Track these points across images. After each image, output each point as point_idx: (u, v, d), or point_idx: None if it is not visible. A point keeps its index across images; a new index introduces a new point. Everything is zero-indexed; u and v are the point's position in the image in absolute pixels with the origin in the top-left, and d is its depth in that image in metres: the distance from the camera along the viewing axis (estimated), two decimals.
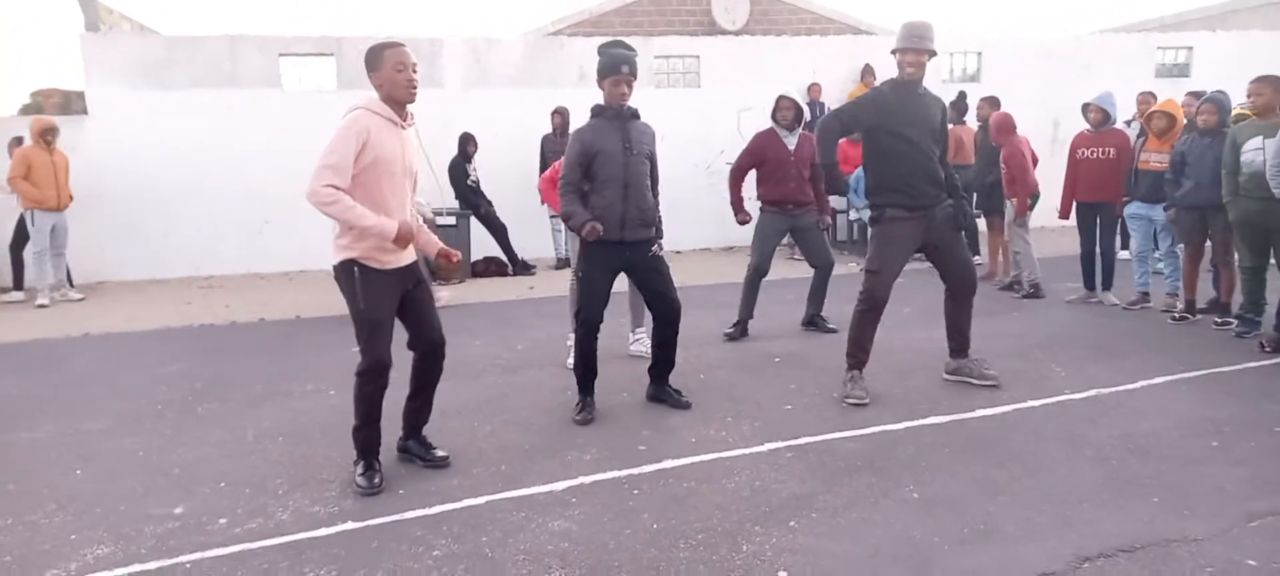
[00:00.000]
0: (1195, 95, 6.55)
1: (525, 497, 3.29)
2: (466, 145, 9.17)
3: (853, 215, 9.68)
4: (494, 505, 3.24)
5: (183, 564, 2.84)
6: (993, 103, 7.92)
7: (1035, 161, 7.19)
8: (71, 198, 8.24)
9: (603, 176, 4.06)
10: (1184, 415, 4.04)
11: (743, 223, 5.79)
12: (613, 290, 4.22)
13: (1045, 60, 11.78)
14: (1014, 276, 7.32)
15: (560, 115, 9.19)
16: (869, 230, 4.67)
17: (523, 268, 9.31)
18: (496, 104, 10.12)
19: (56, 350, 6.23)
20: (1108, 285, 6.72)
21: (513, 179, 9.68)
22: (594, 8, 14.83)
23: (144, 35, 11.19)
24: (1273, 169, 4.98)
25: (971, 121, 8.86)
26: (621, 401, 4.48)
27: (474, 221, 9.12)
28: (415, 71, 3.32)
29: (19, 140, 8.22)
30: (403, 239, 3.26)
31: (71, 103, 9.76)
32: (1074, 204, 6.70)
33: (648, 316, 4.49)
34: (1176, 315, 6.06)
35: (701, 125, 10.62)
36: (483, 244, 9.27)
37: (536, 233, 9.63)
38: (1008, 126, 7.10)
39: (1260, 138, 5.11)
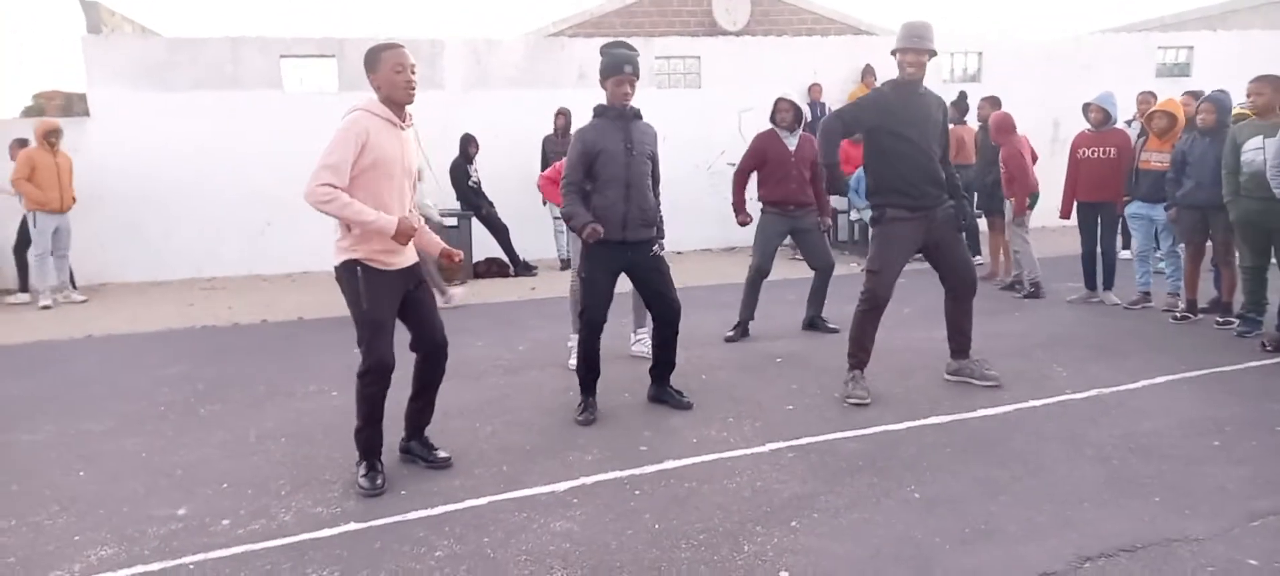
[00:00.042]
0: (1192, 95, 6.55)
1: (527, 498, 3.30)
2: (467, 146, 9.19)
3: (853, 215, 9.68)
4: (496, 506, 3.24)
5: (186, 565, 2.85)
6: (993, 102, 7.92)
7: (1034, 159, 7.19)
8: (75, 200, 8.27)
9: (605, 176, 4.07)
10: (1185, 415, 4.04)
11: (743, 224, 5.80)
12: (616, 291, 4.23)
13: (1046, 60, 11.78)
14: (1015, 276, 7.32)
15: (563, 116, 9.20)
16: (870, 230, 4.68)
17: (524, 268, 9.33)
18: (497, 105, 10.13)
19: (59, 352, 6.24)
20: (1109, 285, 6.72)
21: (514, 180, 9.69)
22: (594, 9, 14.84)
23: (145, 37, 11.21)
24: (1273, 169, 4.98)
25: (972, 121, 8.87)
26: (623, 402, 4.49)
27: (475, 222, 9.13)
28: (414, 73, 3.33)
29: (22, 142, 8.24)
30: (403, 235, 3.26)
31: (73, 105, 9.79)
32: (1075, 204, 6.70)
33: (649, 317, 4.50)
34: (1178, 315, 6.06)
35: (702, 126, 10.63)
36: (484, 245, 9.28)
37: (538, 233, 9.64)
38: (1007, 126, 7.10)
39: (1260, 137, 5.11)
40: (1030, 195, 7.01)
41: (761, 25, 14.89)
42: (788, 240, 6.03)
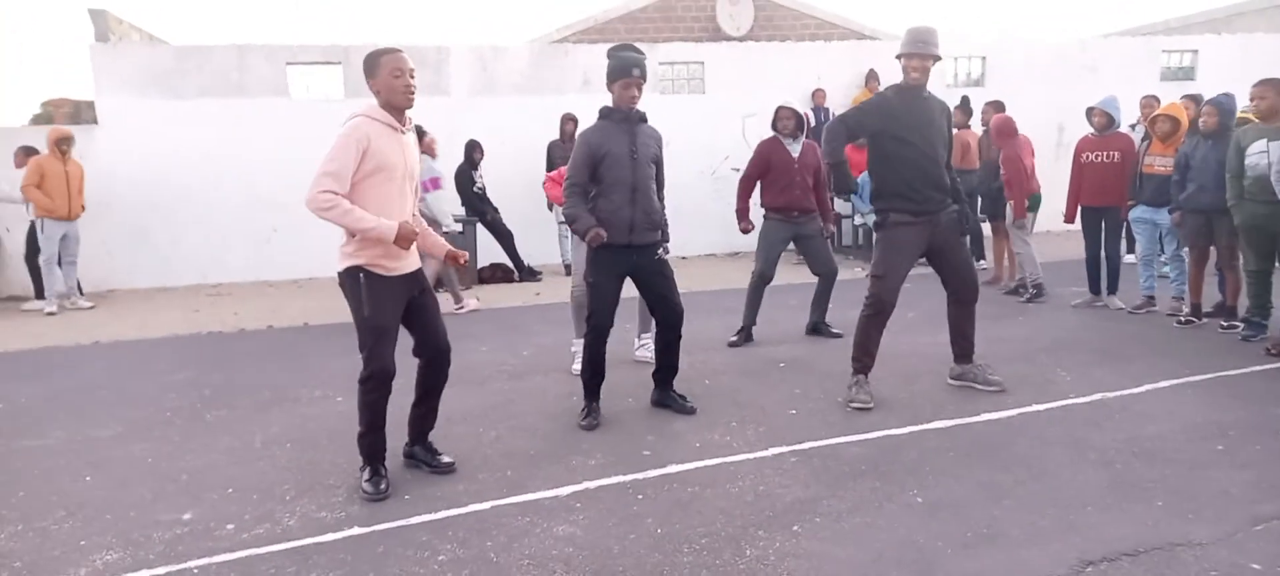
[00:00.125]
0: (1192, 98, 6.54)
1: (530, 503, 3.31)
2: (473, 152, 9.21)
3: (858, 220, 9.69)
4: (499, 510, 3.25)
5: (190, 569, 2.87)
6: (997, 107, 7.91)
7: (1031, 154, 7.16)
8: (84, 208, 8.32)
9: (609, 179, 4.07)
10: (1189, 419, 4.03)
11: (745, 232, 5.81)
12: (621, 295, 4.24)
13: (1050, 64, 11.77)
14: (1019, 280, 7.31)
15: (572, 122, 9.24)
16: (874, 235, 4.68)
17: (529, 274, 9.35)
18: (502, 111, 10.17)
19: (66, 358, 6.28)
20: (1113, 289, 6.71)
21: (519, 186, 9.73)
22: (599, 15, 14.89)
23: (153, 45, 11.28)
24: (1278, 172, 4.98)
25: (976, 126, 8.86)
26: (626, 407, 4.50)
27: (480, 228, 9.16)
28: (413, 77, 3.34)
29: (28, 150, 8.30)
30: (404, 239, 3.28)
31: (81, 112, 9.85)
32: (1079, 208, 6.70)
33: (654, 322, 4.50)
34: (1182, 319, 6.05)
35: (706, 131, 10.64)
36: (489, 250, 9.31)
37: (542, 239, 9.67)
38: (1008, 129, 7.10)
39: (1264, 140, 5.11)
40: (1030, 197, 7.00)
41: (765, 30, 14.92)
42: (791, 245, 6.04)
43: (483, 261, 9.28)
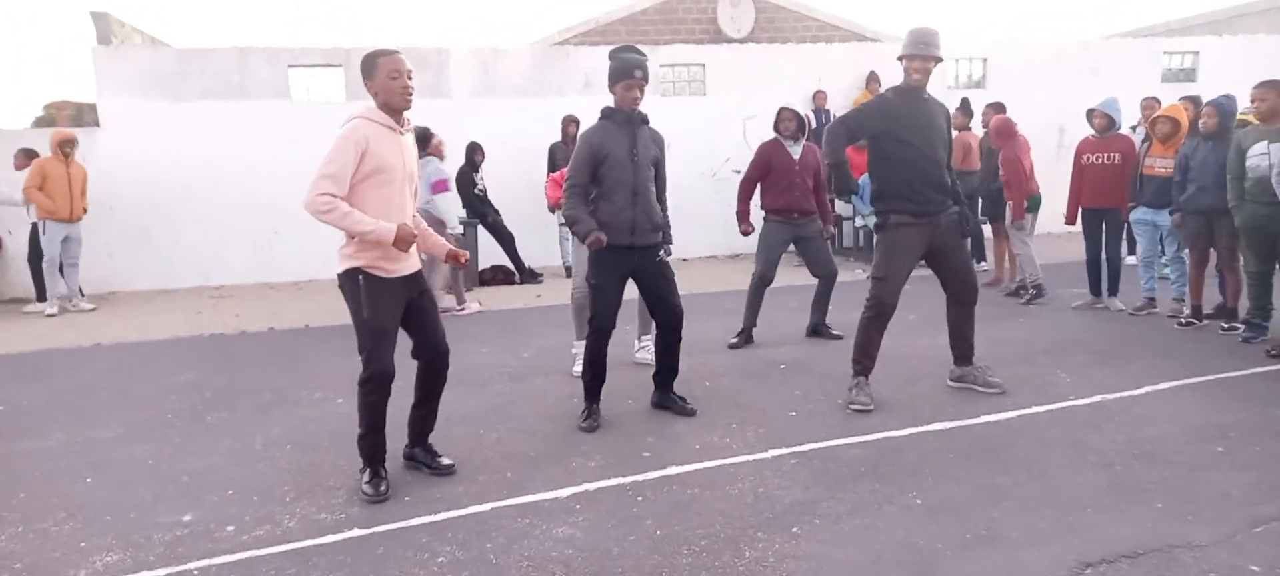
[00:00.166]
0: (1191, 100, 6.54)
1: (530, 504, 3.31)
2: (474, 154, 9.22)
3: (858, 222, 9.69)
4: (499, 512, 3.26)
5: (190, 570, 2.87)
6: (998, 108, 7.91)
7: (1030, 155, 7.16)
8: (86, 210, 8.34)
9: (611, 181, 4.06)
10: (1189, 420, 4.03)
11: (746, 234, 5.81)
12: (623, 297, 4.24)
13: (1051, 66, 11.78)
14: (1019, 282, 7.31)
15: (574, 124, 9.25)
16: (874, 237, 4.69)
17: (530, 276, 9.36)
18: (503, 113, 10.19)
19: (67, 360, 6.29)
20: (1113, 291, 6.71)
21: (520, 188, 9.74)
22: (600, 17, 14.90)
23: (155, 48, 11.30)
24: (1278, 174, 4.97)
25: (977, 127, 8.86)
26: (626, 408, 4.50)
27: (481, 230, 9.17)
28: (410, 78, 3.35)
29: (28, 152, 8.32)
30: (403, 241, 3.29)
31: (83, 115, 9.88)
32: (1079, 210, 6.70)
33: (654, 324, 4.50)
34: (1182, 320, 6.04)
35: (707, 133, 10.66)
36: (490, 252, 9.32)
37: (543, 241, 9.68)
38: (1007, 131, 7.11)
39: (1265, 142, 5.10)
40: (1029, 198, 7.00)
41: (766, 32, 14.93)
42: (791, 248, 6.04)
43: (484, 263, 9.29)
